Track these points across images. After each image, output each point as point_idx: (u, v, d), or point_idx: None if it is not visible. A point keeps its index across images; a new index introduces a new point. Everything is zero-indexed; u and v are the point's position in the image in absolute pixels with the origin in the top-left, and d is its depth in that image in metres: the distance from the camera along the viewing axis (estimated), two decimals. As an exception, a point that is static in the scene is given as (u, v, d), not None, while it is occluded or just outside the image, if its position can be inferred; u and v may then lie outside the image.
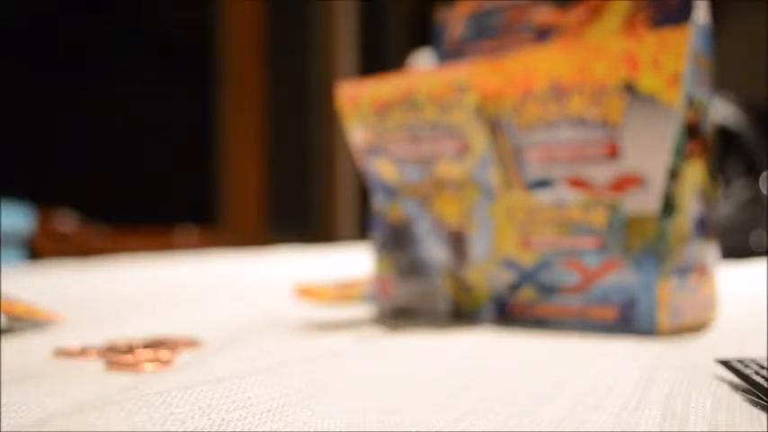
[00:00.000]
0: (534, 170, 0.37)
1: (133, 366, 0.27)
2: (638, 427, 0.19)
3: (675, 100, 0.33)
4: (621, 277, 0.34)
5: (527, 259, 0.37)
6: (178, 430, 0.19)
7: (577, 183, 0.36)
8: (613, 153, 0.35)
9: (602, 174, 0.35)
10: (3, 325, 0.37)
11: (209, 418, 0.20)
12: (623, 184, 0.34)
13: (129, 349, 0.31)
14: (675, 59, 0.33)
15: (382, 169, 0.42)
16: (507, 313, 0.38)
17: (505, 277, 0.38)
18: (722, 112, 0.83)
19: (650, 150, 0.34)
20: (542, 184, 0.37)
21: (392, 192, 0.42)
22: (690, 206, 0.35)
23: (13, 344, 0.34)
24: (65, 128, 2.00)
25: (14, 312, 0.37)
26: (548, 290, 0.37)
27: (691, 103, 0.34)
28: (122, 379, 0.26)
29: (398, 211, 0.42)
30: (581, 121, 0.35)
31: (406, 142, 0.40)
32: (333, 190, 2.71)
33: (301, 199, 2.67)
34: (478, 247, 0.39)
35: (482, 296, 0.39)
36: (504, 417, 0.21)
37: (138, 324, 0.40)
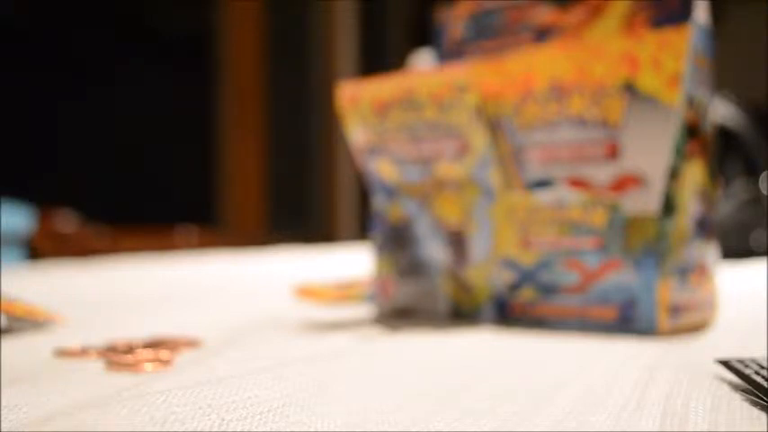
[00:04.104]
0: (534, 170, 0.37)
1: (133, 366, 0.27)
2: (638, 426, 0.19)
3: (675, 100, 0.33)
4: (621, 277, 0.34)
5: (527, 259, 0.37)
6: (178, 430, 0.19)
7: (577, 183, 0.36)
8: (613, 153, 0.35)
9: (602, 174, 0.35)
10: (3, 325, 0.37)
11: (210, 418, 0.20)
12: (623, 184, 0.34)
13: (129, 349, 0.31)
14: (675, 59, 0.33)
15: (382, 169, 0.42)
16: (507, 313, 0.38)
17: (505, 277, 0.38)
18: (722, 111, 0.83)
19: (650, 150, 0.34)
20: (542, 184, 0.37)
21: (392, 192, 0.42)
22: (690, 206, 0.35)
23: (13, 344, 0.34)
24: (65, 128, 2.00)
25: (14, 312, 0.37)
26: (548, 290, 0.37)
27: (691, 102, 0.34)
28: (122, 379, 0.26)
29: (398, 211, 0.42)
30: (581, 121, 0.35)
31: (405, 142, 0.40)
32: (333, 190, 2.71)
33: (301, 199, 2.67)
34: (478, 247, 0.39)
35: (482, 296, 0.39)
36: (504, 416, 0.21)
37: (139, 324, 0.40)
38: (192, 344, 0.32)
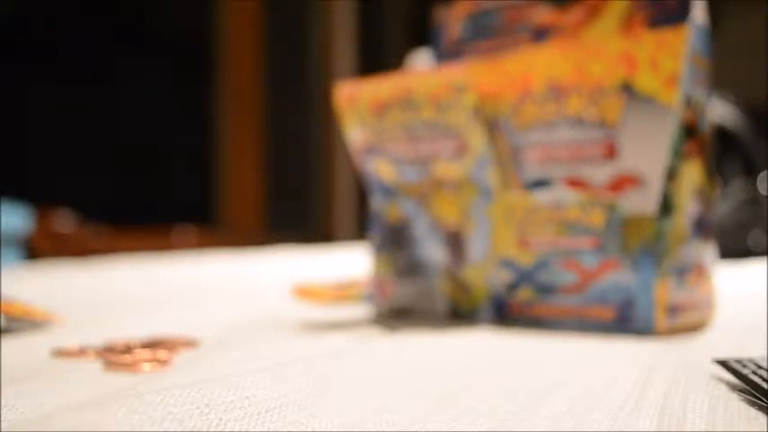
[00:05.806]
0: (532, 170, 0.37)
1: (131, 366, 0.27)
2: (636, 426, 0.19)
3: (673, 100, 0.33)
4: (619, 277, 0.34)
5: (525, 259, 0.37)
6: (176, 430, 0.19)
7: (575, 183, 0.36)
8: (611, 153, 0.35)
9: (600, 174, 0.35)
10: (1, 325, 0.37)
11: (208, 418, 0.20)
12: (621, 183, 0.34)
13: (127, 349, 0.31)
14: (673, 59, 0.33)
15: (380, 169, 0.42)
16: (505, 313, 0.38)
17: (503, 277, 0.38)
18: (720, 111, 0.83)
19: (648, 150, 0.34)
20: (540, 184, 0.37)
21: (390, 192, 0.42)
22: (688, 206, 0.35)
23: (11, 344, 0.34)
24: (64, 128, 2.00)
25: (12, 312, 0.37)
26: (546, 290, 0.37)
27: (688, 103, 0.34)
28: (120, 379, 0.26)
29: (397, 211, 0.42)
30: (579, 122, 0.35)
31: (403, 142, 0.40)
32: (331, 190, 2.71)
33: (300, 199, 2.67)
34: (476, 247, 0.39)
35: (480, 296, 0.39)
36: (503, 416, 0.21)
37: (137, 324, 0.40)
38: (189, 344, 0.32)
